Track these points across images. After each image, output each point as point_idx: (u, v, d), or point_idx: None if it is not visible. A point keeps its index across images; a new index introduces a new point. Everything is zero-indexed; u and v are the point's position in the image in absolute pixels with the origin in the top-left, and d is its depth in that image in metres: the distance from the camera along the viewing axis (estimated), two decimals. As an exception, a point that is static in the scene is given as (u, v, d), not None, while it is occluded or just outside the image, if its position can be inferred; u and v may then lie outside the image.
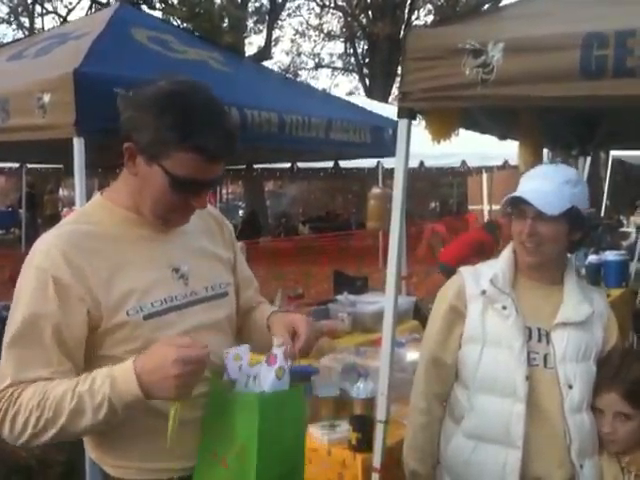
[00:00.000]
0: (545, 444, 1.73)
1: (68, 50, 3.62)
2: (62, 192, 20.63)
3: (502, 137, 3.66)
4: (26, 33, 20.38)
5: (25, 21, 24.75)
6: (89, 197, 1.73)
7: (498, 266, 1.85)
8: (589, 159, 4.46)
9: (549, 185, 1.74)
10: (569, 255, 1.95)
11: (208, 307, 1.51)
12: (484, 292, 1.81)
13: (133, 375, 1.27)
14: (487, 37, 2.11)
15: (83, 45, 3.48)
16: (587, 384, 1.75)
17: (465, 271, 1.90)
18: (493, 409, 1.76)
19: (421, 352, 1.97)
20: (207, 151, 1.33)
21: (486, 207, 18.36)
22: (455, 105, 2.28)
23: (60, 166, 9.58)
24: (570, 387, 1.72)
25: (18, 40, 5.62)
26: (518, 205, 1.77)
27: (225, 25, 19.15)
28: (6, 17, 24.37)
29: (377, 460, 2.36)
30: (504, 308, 1.78)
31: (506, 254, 1.87)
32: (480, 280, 1.84)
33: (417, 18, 22.39)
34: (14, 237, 15.98)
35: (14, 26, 24.62)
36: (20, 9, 24.33)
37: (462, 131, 2.68)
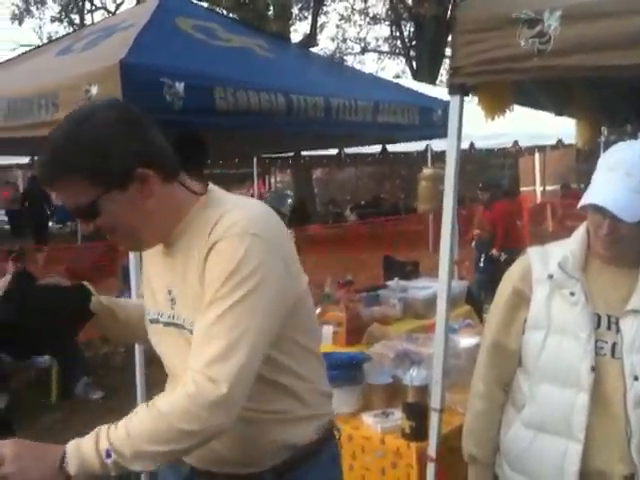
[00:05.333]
0: (606, 437, 1.63)
1: (114, 42, 3.64)
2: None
3: (558, 113, 3.50)
4: (76, 30, 20.84)
5: (75, 18, 25.34)
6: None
7: (568, 247, 1.72)
8: (647, 136, 4.25)
9: (632, 183, 1.55)
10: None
11: (187, 335, 1.39)
12: (551, 276, 1.69)
13: None
14: (543, 5, 1.99)
15: (129, 36, 3.49)
16: None
17: (533, 252, 1.78)
18: (554, 399, 1.67)
19: (483, 335, 1.88)
20: None
21: (539, 188, 17.93)
22: (510, 78, 2.17)
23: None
24: (636, 379, 1.59)
25: (66, 35, 5.70)
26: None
27: (270, 13, 19.17)
28: (57, 15, 25.01)
29: (432, 449, 2.30)
30: (572, 294, 1.66)
31: (579, 233, 1.74)
32: (549, 262, 1.72)
33: (464, -2, 21.89)
34: (70, 231, 16.43)
35: (65, 23, 25.25)
36: (70, 6, 24.91)
37: (514, 110, 2.56)
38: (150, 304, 1.53)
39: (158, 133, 1.38)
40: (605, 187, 1.60)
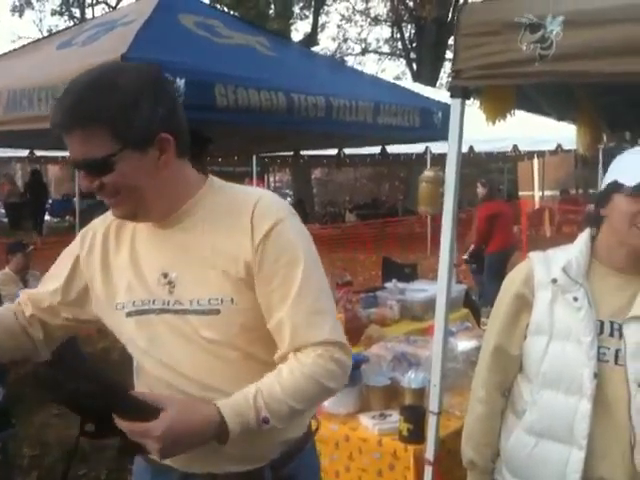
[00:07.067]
0: (609, 444, 1.62)
1: (116, 37, 3.63)
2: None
3: (559, 119, 3.51)
4: (77, 24, 20.80)
5: (76, 12, 25.34)
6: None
7: (572, 252, 1.71)
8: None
9: None
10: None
11: (194, 321, 1.35)
12: (555, 281, 1.68)
13: None
14: (545, 10, 1.99)
15: (130, 31, 3.49)
16: None
17: (534, 256, 1.76)
18: (557, 406, 1.66)
19: (485, 340, 1.86)
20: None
21: (537, 193, 17.97)
22: (511, 82, 2.17)
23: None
24: (639, 386, 1.59)
25: (68, 28, 5.69)
26: None
27: (271, 12, 19.17)
28: (58, 8, 24.99)
29: (430, 453, 2.30)
30: (575, 299, 1.64)
31: (582, 239, 1.73)
32: (551, 267, 1.70)
33: (465, 1, 21.90)
34: (69, 225, 16.42)
35: (65, 17, 25.23)
36: (71, 0, 24.89)
37: (515, 114, 2.56)
38: (137, 292, 1.40)
39: (182, 108, 1.38)
40: None
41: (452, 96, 2.25)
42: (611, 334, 1.63)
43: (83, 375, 1.22)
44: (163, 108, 1.30)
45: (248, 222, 1.34)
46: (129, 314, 1.41)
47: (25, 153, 11.98)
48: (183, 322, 1.36)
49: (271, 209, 1.36)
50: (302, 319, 1.33)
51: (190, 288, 1.36)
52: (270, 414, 1.26)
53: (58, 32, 5.68)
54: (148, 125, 1.28)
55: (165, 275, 1.38)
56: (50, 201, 19.30)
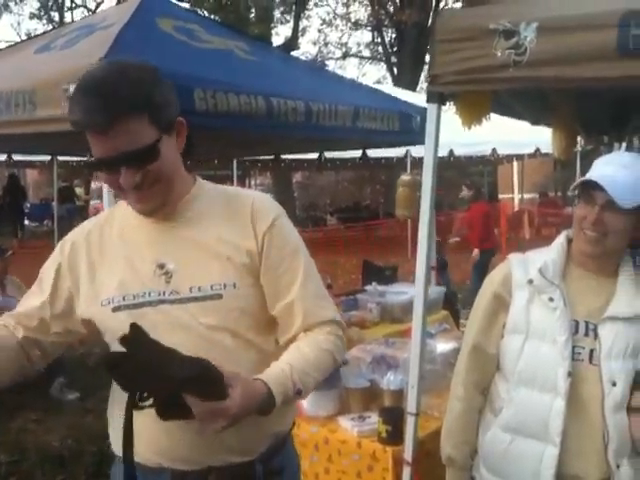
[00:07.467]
0: (583, 442, 1.66)
1: (94, 41, 3.62)
2: (94, 184, 20.91)
3: (535, 122, 3.56)
4: (56, 27, 20.62)
5: (55, 15, 25.11)
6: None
7: (549, 255, 1.76)
8: (624, 145, 4.32)
9: (627, 174, 1.62)
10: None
11: (192, 308, 1.38)
12: (531, 282, 1.73)
13: None
14: (519, 17, 2.03)
15: (109, 35, 3.48)
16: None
17: (513, 258, 1.82)
18: (532, 403, 1.69)
19: (464, 339, 1.91)
20: (75, 124, 1.30)
21: (517, 196, 18.14)
22: (486, 88, 2.21)
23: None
24: (614, 384, 1.63)
25: (46, 32, 5.65)
26: (588, 189, 1.66)
27: (252, 16, 19.17)
28: (36, 12, 24.78)
29: (408, 454, 2.32)
30: (551, 300, 1.69)
31: (559, 242, 1.78)
32: (529, 268, 1.75)
33: (445, 5, 22.06)
34: (47, 229, 16.25)
35: (44, 21, 25.00)
36: (50, 3, 24.69)
37: (493, 118, 2.60)
38: (129, 287, 1.41)
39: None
40: (600, 171, 1.66)
41: (428, 101, 2.29)
42: (586, 334, 1.67)
43: (187, 360, 1.19)
44: (173, 95, 1.38)
45: (248, 216, 1.43)
46: (117, 308, 1.40)
47: (3, 157, 11.85)
48: (181, 311, 1.38)
49: (269, 205, 1.48)
50: (311, 302, 1.46)
51: (190, 277, 1.39)
52: (302, 386, 1.35)
53: (36, 36, 5.63)
54: (171, 109, 1.35)
55: (161, 266, 1.40)
56: (28, 205, 19.12)
